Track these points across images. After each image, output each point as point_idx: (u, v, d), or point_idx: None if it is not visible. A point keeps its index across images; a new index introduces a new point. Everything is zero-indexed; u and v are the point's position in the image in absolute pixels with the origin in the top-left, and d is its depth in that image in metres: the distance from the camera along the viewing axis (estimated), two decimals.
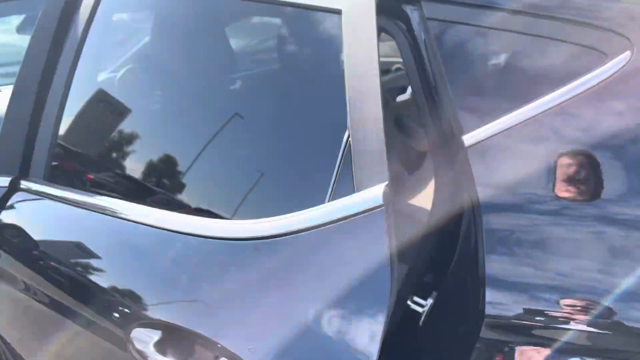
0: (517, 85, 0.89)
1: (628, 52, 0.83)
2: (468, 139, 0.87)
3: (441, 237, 0.95)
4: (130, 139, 1.24)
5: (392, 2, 0.98)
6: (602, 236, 0.78)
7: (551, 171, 0.84)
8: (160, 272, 0.96)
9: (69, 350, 1.09)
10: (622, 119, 0.83)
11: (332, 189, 0.85)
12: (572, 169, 0.83)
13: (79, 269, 1.09)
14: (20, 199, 1.25)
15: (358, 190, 0.79)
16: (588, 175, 0.83)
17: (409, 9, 0.96)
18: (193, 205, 1.07)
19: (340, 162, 0.84)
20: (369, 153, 0.78)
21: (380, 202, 0.74)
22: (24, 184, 1.25)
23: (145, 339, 0.91)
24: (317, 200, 0.85)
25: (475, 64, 0.91)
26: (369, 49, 0.81)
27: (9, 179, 1.27)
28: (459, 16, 0.91)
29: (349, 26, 0.85)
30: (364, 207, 0.76)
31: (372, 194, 0.76)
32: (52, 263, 1.14)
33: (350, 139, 0.81)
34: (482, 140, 0.86)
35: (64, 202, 1.14)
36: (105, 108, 1.33)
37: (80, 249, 1.10)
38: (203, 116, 1.17)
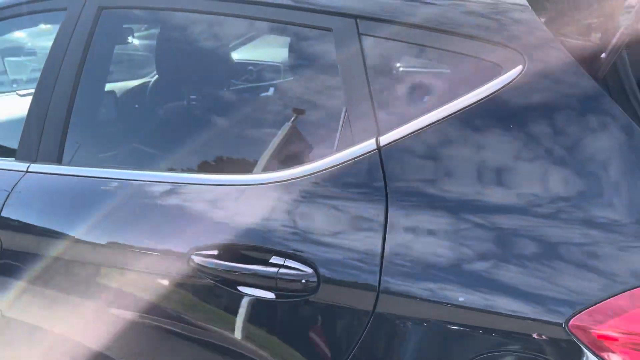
0: (427, 92, 1.04)
1: (520, 66, 0.96)
2: (384, 139, 1.03)
3: None
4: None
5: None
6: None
7: (453, 169, 0.98)
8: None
9: None
10: (515, 124, 0.97)
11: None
12: (471, 167, 0.97)
13: None
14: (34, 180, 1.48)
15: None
16: (481, 172, 0.97)
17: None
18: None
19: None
20: None
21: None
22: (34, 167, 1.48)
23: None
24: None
25: (393, 75, 1.07)
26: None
27: (28, 164, 1.51)
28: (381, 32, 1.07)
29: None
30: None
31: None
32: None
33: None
34: (395, 141, 1.02)
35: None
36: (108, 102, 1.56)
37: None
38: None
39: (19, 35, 1.89)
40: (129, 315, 1.26)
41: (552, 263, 0.88)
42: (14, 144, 1.59)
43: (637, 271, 0.84)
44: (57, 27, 1.57)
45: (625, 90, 0.97)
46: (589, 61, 0.96)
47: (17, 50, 1.94)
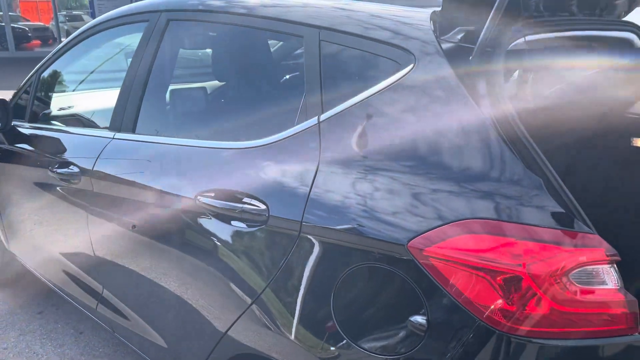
0: (351, 83, 1.43)
1: (412, 64, 1.32)
2: (323, 117, 1.44)
3: None
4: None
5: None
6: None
7: (363, 138, 1.37)
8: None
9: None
10: (407, 112, 1.33)
11: None
12: (374, 137, 1.35)
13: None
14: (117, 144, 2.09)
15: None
16: (381, 141, 1.34)
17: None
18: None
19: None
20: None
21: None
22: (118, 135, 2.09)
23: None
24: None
25: (334, 71, 1.48)
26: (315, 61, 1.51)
27: (114, 133, 2.12)
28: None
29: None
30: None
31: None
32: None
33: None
34: (328, 118, 1.43)
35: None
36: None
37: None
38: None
39: (119, 40, 2.54)
40: (158, 233, 1.82)
41: (406, 204, 1.24)
42: (107, 120, 2.21)
43: (458, 210, 1.17)
44: (141, 33, 2.17)
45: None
46: (458, 59, 1.30)
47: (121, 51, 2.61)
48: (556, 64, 1.74)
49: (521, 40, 1.47)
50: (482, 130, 1.23)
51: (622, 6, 2.06)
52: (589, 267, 1.09)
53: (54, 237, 2.56)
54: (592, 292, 1.09)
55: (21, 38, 23.19)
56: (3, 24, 21.20)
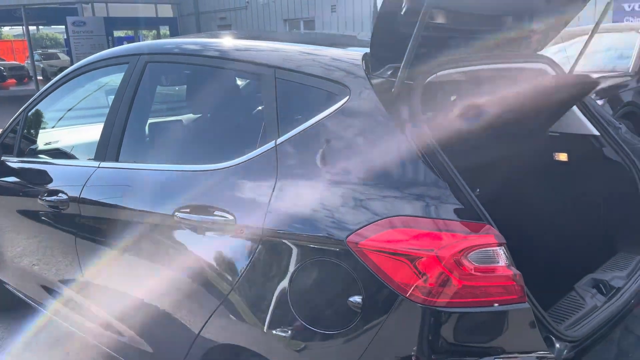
0: (299, 112, 1.73)
1: (347, 96, 1.63)
2: (279, 141, 1.74)
3: None
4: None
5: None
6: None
7: (309, 156, 1.66)
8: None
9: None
10: (344, 134, 1.63)
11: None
12: (321, 161, 1.65)
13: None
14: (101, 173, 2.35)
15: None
16: (325, 157, 1.63)
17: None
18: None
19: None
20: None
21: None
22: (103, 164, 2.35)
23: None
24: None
25: (287, 102, 1.78)
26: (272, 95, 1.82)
27: (99, 162, 2.38)
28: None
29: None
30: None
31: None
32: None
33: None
34: (282, 142, 1.72)
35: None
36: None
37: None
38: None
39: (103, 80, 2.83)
40: (141, 249, 2.08)
41: (344, 207, 1.53)
42: (92, 152, 2.48)
43: (384, 210, 1.46)
44: (122, 73, 2.46)
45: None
46: (384, 91, 1.61)
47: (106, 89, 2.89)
48: (476, 92, 2.07)
49: (441, 73, 1.81)
50: (403, 147, 1.54)
51: (539, 42, 2.43)
52: (483, 250, 1.39)
53: (43, 260, 2.78)
54: (487, 269, 1.39)
55: None
56: None
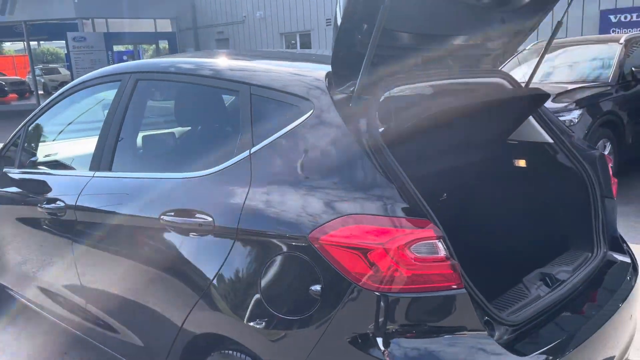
0: (266, 127, 1.95)
1: (312, 110, 1.85)
2: (253, 150, 1.95)
3: None
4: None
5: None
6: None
7: (279, 164, 1.87)
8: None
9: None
10: (309, 143, 1.84)
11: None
12: (286, 163, 1.85)
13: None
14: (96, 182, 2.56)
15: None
16: (290, 164, 1.84)
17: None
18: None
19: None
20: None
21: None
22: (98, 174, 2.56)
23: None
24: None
25: (260, 116, 1.99)
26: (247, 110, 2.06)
27: (94, 172, 2.59)
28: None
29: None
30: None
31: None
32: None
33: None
34: (256, 151, 1.93)
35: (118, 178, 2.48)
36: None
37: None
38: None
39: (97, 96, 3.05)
40: (131, 250, 2.28)
41: (307, 207, 1.73)
42: (87, 163, 2.69)
43: (341, 209, 1.67)
44: (115, 90, 2.67)
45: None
46: (344, 105, 1.82)
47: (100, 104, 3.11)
48: (437, 105, 2.29)
49: (399, 88, 2.02)
50: (358, 155, 1.75)
51: (498, 59, 2.65)
52: (424, 242, 1.59)
53: (42, 264, 2.98)
54: (428, 259, 1.59)
55: None
56: None
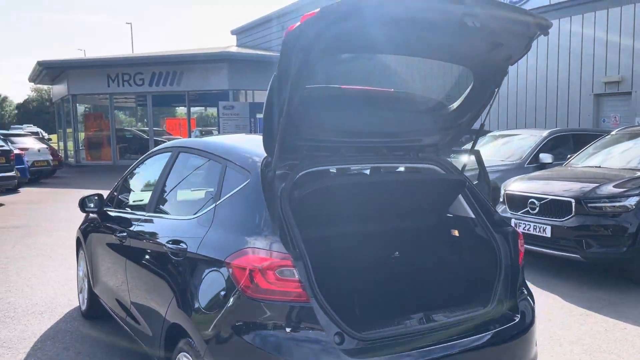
0: (226, 187, 2.94)
1: (249, 178, 2.82)
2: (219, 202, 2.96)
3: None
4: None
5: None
6: None
7: (227, 206, 2.86)
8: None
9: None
10: (241, 202, 2.80)
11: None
12: (230, 217, 2.83)
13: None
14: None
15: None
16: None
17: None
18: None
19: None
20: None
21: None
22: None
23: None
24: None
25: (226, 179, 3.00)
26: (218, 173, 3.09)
27: (146, 212, 3.77)
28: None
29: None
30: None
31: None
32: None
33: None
34: (223, 200, 2.95)
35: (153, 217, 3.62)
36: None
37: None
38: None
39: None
40: (151, 265, 3.37)
41: (228, 242, 2.65)
42: (144, 206, 3.88)
43: (243, 244, 2.56)
44: (167, 159, 3.87)
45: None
46: (267, 176, 2.74)
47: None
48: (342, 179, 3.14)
49: (323, 167, 2.90)
50: (262, 210, 2.64)
51: (439, 149, 3.39)
52: (284, 268, 2.42)
53: (111, 277, 4.20)
54: (284, 280, 2.42)
55: None
56: (147, 137, 25.64)
